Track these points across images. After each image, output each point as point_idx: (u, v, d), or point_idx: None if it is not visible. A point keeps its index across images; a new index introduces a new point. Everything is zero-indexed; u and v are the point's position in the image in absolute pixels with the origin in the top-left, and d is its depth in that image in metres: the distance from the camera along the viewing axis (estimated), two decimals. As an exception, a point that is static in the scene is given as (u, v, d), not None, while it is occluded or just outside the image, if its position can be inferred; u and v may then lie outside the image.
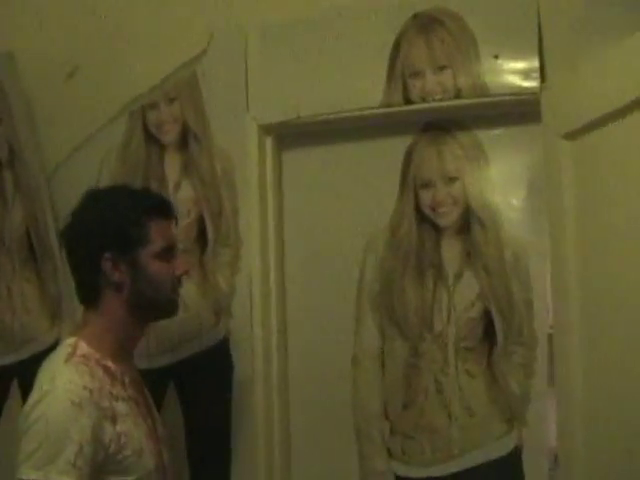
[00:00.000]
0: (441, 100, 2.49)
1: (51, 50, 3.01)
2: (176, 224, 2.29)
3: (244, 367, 2.70)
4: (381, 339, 2.63)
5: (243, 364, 2.70)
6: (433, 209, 2.57)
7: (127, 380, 2.18)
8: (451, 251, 2.55)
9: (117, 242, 2.14)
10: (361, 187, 2.67)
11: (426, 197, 2.58)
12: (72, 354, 2.09)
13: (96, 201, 2.22)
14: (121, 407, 2.10)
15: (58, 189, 2.96)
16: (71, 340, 2.14)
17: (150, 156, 2.87)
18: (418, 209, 2.59)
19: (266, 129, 2.71)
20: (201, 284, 2.77)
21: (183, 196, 2.81)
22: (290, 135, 2.76)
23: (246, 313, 2.69)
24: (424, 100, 2.50)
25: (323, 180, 2.73)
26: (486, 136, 2.53)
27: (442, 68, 2.49)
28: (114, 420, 2.06)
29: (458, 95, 2.47)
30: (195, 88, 2.80)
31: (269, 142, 2.74)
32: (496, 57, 2.41)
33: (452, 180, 2.55)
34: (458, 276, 2.53)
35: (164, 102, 2.86)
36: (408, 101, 2.52)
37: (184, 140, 2.84)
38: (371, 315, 2.63)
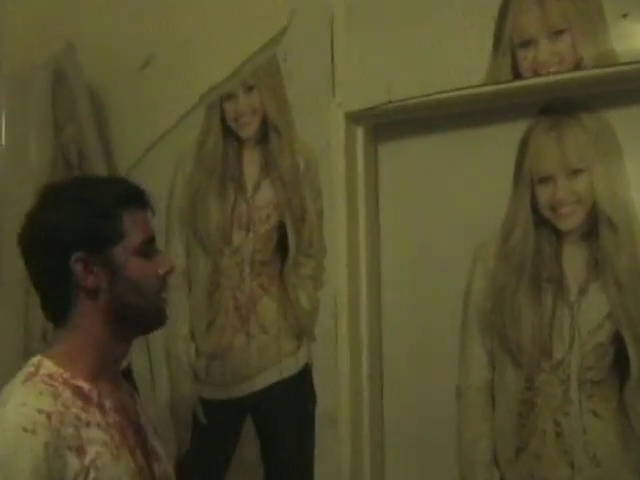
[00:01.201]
0: (558, 73, 1.97)
1: (119, 40, 2.68)
2: (152, 215, 1.90)
3: (328, 400, 2.25)
4: (491, 369, 2.16)
5: (327, 396, 2.25)
6: (553, 209, 2.05)
7: (108, 404, 1.78)
8: (575, 261, 2.02)
9: (87, 239, 1.78)
10: (468, 184, 2.18)
11: (544, 195, 2.06)
12: (34, 373, 1.74)
13: (57, 196, 1.85)
14: (94, 435, 1.71)
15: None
16: (35, 359, 1.77)
17: (227, 154, 2.48)
18: (535, 210, 2.08)
19: (355, 117, 2.26)
20: (281, 301, 2.36)
21: (262, 199, 2.42)
22: (384, 125, 2.30)
23: (331, 336, 2.24)
24: (537, 74, 2.00)
25: (423, 177, 2.26)
26: (617, 117, 1.98)
27: (558, 33, 1.97)
28: (81, 451, 1.67)
29: (579, 66, 1.94)
30: (275, 73, 2.39)
31: (360, 133, 2.29)
32: (625, 16, 1.87)
33: (576, 173, 2.03)
34: (583, 291, 2.00)
35: (242, 91, 2.47)
36: (518, 76, 2.02)
37: (264, 134, 2.44)
38: (480, 339, 2.17)
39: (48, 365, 1.75)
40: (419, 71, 2.14)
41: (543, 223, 2.07)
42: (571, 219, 2.03)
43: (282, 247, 2.38)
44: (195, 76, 2.54)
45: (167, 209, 2.61)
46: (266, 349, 2.40)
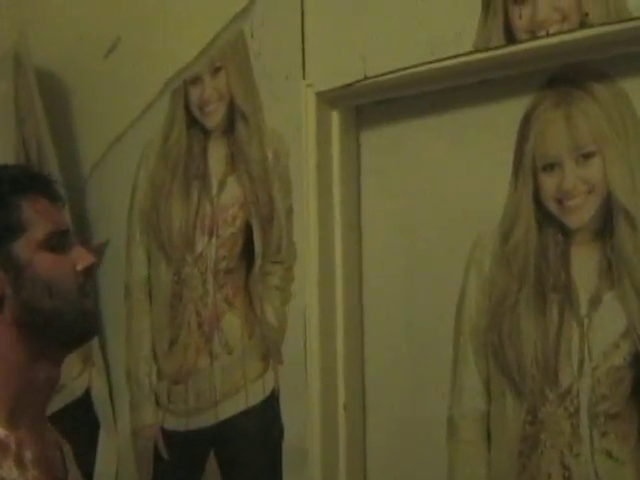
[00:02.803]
0: (560, 34, 1.55)
1: (84, 25, 2.33)
2: (62, 206, 1.54)
3: (297, 432, 1.85)
4: (486, 397, 1.76)
5: (295, 428, 1.86)
6: (559, 202, 1.63)
7: (29, 456, 1.37)
8: (586, 265, 1.59)
9: None
10: (462, 175, 1.76)
11: (549, 184, 1.64)
12: None
13: None
14: None
15: (93, 196, 2.28)
16: None
17: (192, 147, 2.10)
18: (538, 203, 1.66)
19: (328, 99, 1.86)
20: (246, 317, 1.97)
21: (228, 198, 2.03)
22: (366, 108, 1.89)
23: (299, 358, 1.84)
24: (535, 36, 1.59)
25: (412, 168, 1.83)
26: (635, 86, 1.55)
27: (559, -16, 1.57)
28: None
29: (584, 23, 1.53)
30: (243, 52, 2.01)
31: (336, 117, 1.88)
32: (639, -40, 1.48)
33: (587, 157, 1.60)
34: (595, 302, 1.57)
35: (208, 74, 2.09)
36: (512, 40, 1.61)
37: (231, 122, 2.04)
38: (474, 361, 1.76)
39: None
40: (398, 41, 1.74)
41: (548, 219, 1.65)
42: (581, 213, 1.60)
43: (249, 253, 1.98)
44: (161, 60, 2.18)
45: (129, 211, 2.25)
46: (231, 372, 2.01)
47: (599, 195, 1.59)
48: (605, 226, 1.58)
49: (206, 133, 2.09)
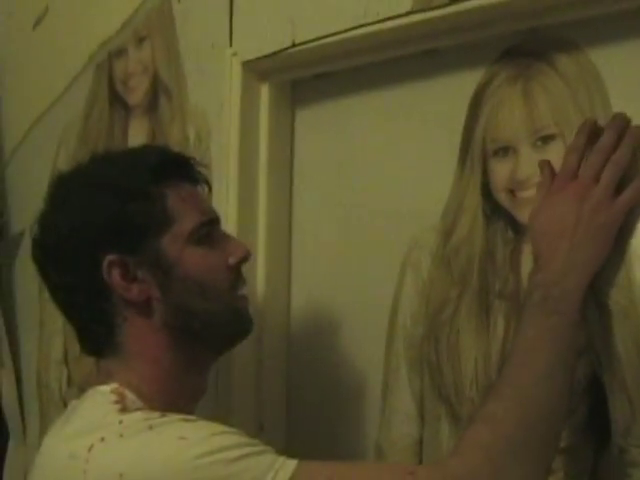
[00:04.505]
0: (512, -10, 1.28)
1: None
2: (209, 190, 1.34)
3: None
4: (419, 421, 1.44)
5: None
6: (512, 193, 1.31)
7: None
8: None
9: (119, 234, 1.22)
10: (402, 160, 1.44)
11: (501, 172, 1.31)
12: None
13: (69, 187, 1.28)
14: None
15: (12, 183, 1.97)
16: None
17: (113, 126, 1.80)
18: (487, 194, 1.34)
19: (257, 70, 1.54)
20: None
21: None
22: (300, 83, 1.58)
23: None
24: (483, -7, 1.30)
25: (346, 153, 1.52)
26: (605, 57, 1.23)
27: None
28: None
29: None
30: (168, 18, 1.69)
31: (265, 92, 1.56)
32: None
33: (546, 141, 1.27)
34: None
35: (133, 45, 1.79)
36: (456, -1, 1.33)
37: (154, 98, 1.74)
38: (407, 379, 1.44)
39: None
40: (330, 4, 1.41)
41: (497, 214, 1.32)
42: (536, 208, 1.32)
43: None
44: (86, 30, 1.87)
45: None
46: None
47: (560, 187, 1.28)
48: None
49: (128, 110, 1.80)
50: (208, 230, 1.27)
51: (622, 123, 1.18)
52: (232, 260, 1.27)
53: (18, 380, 1.99)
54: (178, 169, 1.29)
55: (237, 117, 1.53)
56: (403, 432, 1.39)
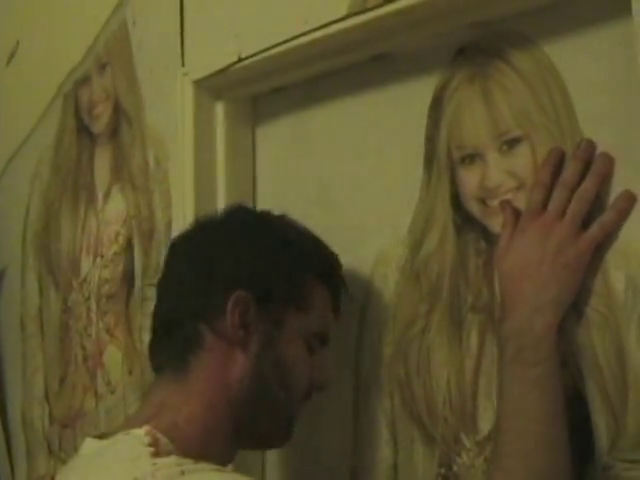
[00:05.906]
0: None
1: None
2: (337, 317, 1.26)
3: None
4: (392, 444, 1.29)
5: None
6: (483, 202, 1.21)
7: None
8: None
9: (264, 283, 1.17)
10: (365, 173, 1.34)
11: (470, 181, 1.21)
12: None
13: (264, 230, 1.23)
14: None
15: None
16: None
17: (81, 155, 1.71)
18: (457, 204, 1.23)
19: (209, 89, 1.44)
20: (126, 349, 1.54)
21: (112, 211, 1.62)
22: (260, 99, 1.47)
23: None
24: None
25: (308, 166, 1.42)
26: (559, 49, 1.12)
27: None
28: None
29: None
30: (125, 42, 1.60)
31: (220, 111, 1.45)
32: None
33: (512, 145, 1.16)
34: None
35: (96, 71, 1.70)
36: (392, -2, 1.21)
37: (117, 125, 1.64)
38: (377, 400, 1.28)
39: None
40: (270, 17, 1.33)
41: (469, 224, 1.21)
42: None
43: (131, 275, 1.58)
44: (55, 61, 1.78)
45: (23, 233, 1.85)
46: (115, 415, 1.57)
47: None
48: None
49: (93, 140, 1.70)
50: (321, 344, 1.22)
51: (588, 152, 1.08)
52: (318, 378, 1.21)
53: (4, 420, 1.90)
54: (333, 275, 1.25)
55: (191, 137, 1.43)
56: (376, 457, 1.28)
